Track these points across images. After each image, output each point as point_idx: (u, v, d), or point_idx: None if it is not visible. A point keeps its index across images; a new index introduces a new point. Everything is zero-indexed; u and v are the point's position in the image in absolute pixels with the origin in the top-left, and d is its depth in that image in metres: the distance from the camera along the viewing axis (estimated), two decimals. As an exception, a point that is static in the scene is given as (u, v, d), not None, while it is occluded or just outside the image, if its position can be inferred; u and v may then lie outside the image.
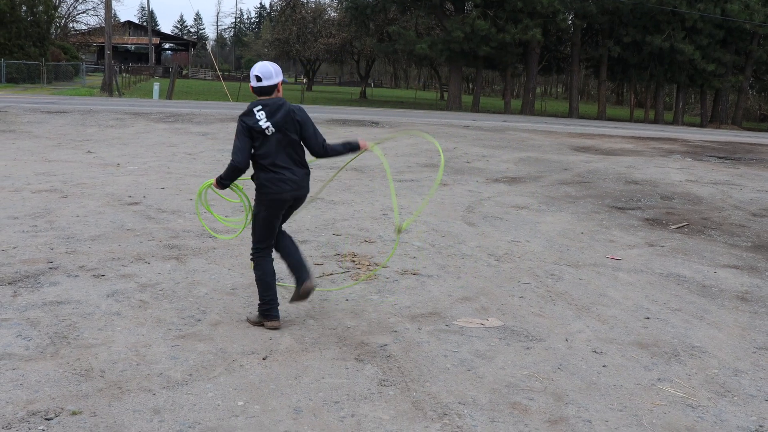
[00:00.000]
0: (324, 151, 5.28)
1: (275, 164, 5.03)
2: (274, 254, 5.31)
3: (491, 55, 43.08)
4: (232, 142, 5.06)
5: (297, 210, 5.43)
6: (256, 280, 5.22)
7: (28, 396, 3.96)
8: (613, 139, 26.16)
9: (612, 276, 7.21)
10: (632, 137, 27.78)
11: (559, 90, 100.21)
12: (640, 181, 14.55)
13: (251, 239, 5.28)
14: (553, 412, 4.14)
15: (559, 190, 12.70)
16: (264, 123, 4.97)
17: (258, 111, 4.99)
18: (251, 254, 5.27)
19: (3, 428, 3.64)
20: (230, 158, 5.03)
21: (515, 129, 28.14)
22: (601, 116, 46.76)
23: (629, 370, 4.83)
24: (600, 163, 17.46)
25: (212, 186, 5.33)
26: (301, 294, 5.21)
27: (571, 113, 46.89)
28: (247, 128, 4.98)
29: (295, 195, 5.16)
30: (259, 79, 5.03)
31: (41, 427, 3.65)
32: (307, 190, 5.27)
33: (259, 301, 5.21)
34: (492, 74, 79.79)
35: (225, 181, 5.15)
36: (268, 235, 5.21)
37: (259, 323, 5.23)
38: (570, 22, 46.20)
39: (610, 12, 42.76)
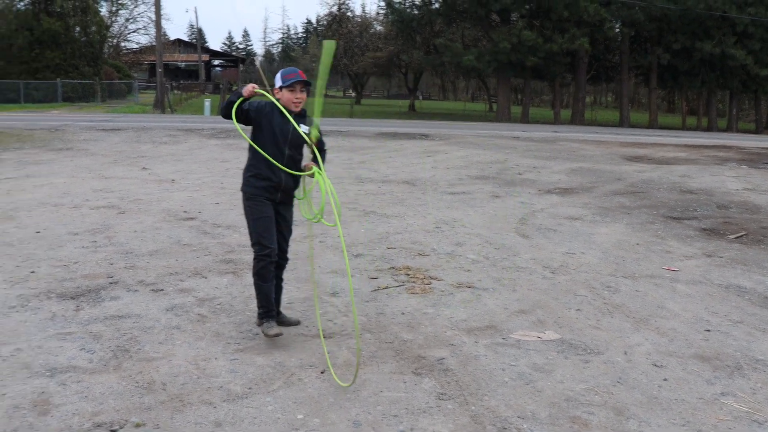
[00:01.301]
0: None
1: None
2: None
3: (539, 66, 42.85)
4: None
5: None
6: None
7: (93, 408, 4.04)
8: (665, 147, 25.79)
9: (670, 287, 7.09)
10: (685, 145, 27.35)
11: (609, 99, 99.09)
12: (696, 191, 14.31)
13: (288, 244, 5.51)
14: (614, 427, 4.08)
15: (612, 201, 12.55)
16: None
17: None
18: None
19: (71, 441, 3.72)
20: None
21: (566, 139, 27.91)
22: (652, 125, 46.18)
23: (691, 383, 4.74)
24: (653, 173, 17.22)
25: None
26: None
27: (621, 122, 46.38)
28: None
29: None
30: None
31: (108, 441, 3.72)
32: None
33: None
34: (540, 84, 79.26)
35: None
36: None
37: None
38: (617, 30, 45.73)
39: (658, 19, 42.20)
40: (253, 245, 5.20)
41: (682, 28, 42.04)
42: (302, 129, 5.06)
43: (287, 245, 5.43)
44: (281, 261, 5.40)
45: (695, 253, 8.72)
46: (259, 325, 5.26)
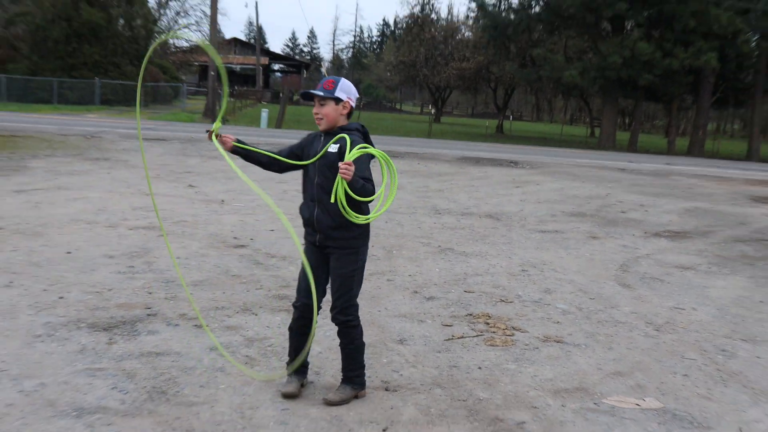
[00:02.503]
0: None
1: None
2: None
3: (654, 85, 42.14)
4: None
5: None
6: (361, 346, 5.27)
7: (123, 457, 4.16)
8: (803, 188, 25.26)
9: (798, 356, 7.01)
10: (828, 187, 26.73)
11: (736, 127, 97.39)
12: (837, 242, 14.01)
13: (345, 296, 5.12)
14: None
15: (733, 249, 12.40)
16: None
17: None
18: (352, 315, 5.18)
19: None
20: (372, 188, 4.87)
21: (681, 173, 27.58)
22: (789, 160, 45.18)
23: (817, 470, 4.71)
24: (786, 218, 16.92)
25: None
26: None
27: (750, 155, 45.50)
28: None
29: None
30: None
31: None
32: None
33: (358, 370, 5.26)
34: (654, 107, 78.45)
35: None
36: None
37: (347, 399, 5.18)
38: (754, 44, 44.53)
39: (807, 32, 40.98)
40: None
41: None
42: (331, 149, 4.93)
43: (321, 295, 5.23)
44: (309, 315, 5.06)
45: (832, 317, 8.57)
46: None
